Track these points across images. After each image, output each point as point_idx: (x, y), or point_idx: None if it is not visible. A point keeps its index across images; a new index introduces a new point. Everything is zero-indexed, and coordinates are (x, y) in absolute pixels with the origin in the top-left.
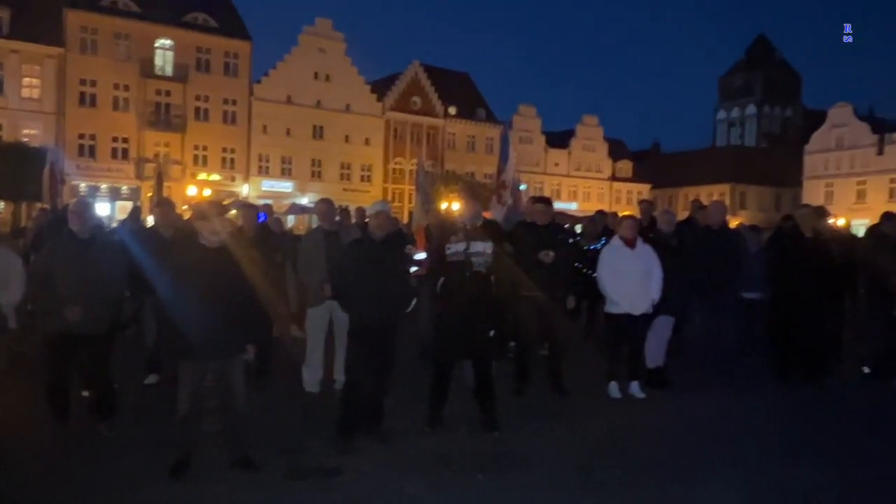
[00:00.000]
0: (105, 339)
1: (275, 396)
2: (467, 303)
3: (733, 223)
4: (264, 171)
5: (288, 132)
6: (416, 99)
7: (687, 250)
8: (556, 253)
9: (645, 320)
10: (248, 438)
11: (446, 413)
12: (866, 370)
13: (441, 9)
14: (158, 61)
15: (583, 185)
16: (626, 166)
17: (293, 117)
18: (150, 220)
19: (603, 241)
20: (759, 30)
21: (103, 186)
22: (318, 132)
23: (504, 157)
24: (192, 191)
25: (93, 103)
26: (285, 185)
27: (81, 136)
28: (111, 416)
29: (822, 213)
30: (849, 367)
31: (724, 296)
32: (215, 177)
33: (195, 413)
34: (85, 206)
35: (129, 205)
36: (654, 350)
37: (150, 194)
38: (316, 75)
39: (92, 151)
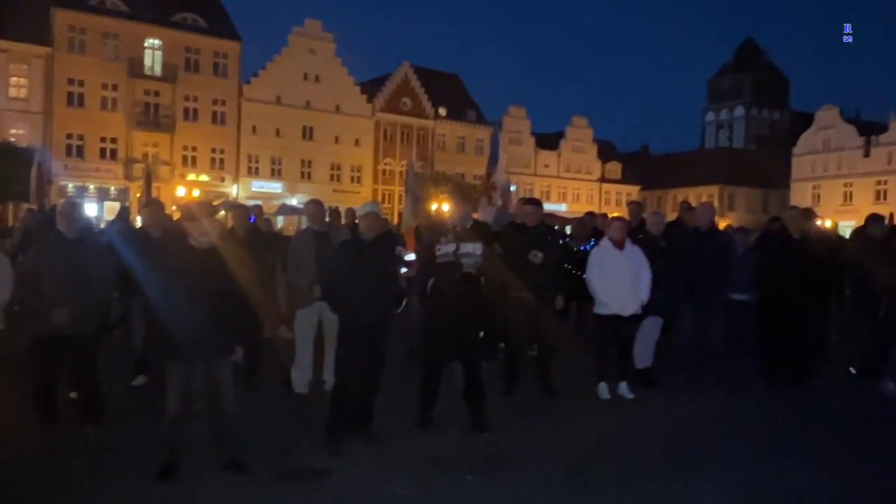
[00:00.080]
0: (92, 340)
1: (264, 398)
2: (457, 304)
3: (722, 225)
4: (254, 172)
5: (277, 133)
6: (406, 100)
7: (675, 252)
8: (545, 254)
9: (633, 321)
10: (237, 440)
11: (436, 414)
12: (853, 371)
13: (431, 10)
14: (147, 61)
15: (572, 187)
16: (615, 168)
17: (283, 118)
18: (138, 221)
19: (592, 243)
20: (747, 33)
21: (91, 187)
22: (307, 133)
23: (494, 158)
24: (181, 191)
25: (81, 103)
26: (275, 186)
27: (69, 136)
28: (99, 417)
29: (809, 214)
30: (835, 368)
31: (712, 297)
32: (204, 177)
33: (184, 414)
34: (73, 207)
35: (117, 205)
36: (643, 351)
37: (138, 195)
38: (305, 76)
39: (80, 151)
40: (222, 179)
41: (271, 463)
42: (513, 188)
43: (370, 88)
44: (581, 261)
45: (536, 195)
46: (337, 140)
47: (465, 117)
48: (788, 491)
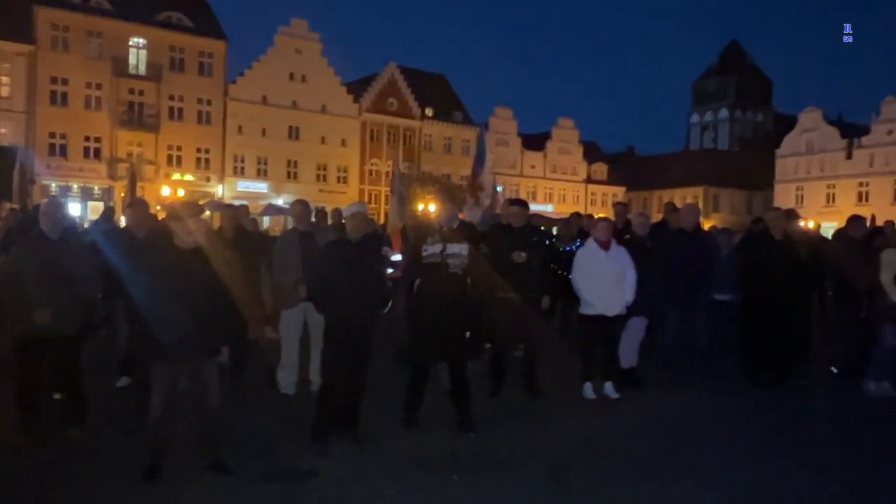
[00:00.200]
0: (76, 340)
1: (250, 398)
2: (443, 304)
3: (706, 226)
4: (239, 172)
5: (263, 133)
6: (393, 100)
7: (660, 252)
8: (531, 254)
9: (619, 321)
10: (222, 441)
11: (422, 414)
12: (835, 370)
13: (417, 10)
14: (132, 60)
15: (558, 188)
16: (601, 169)
17: (269, 118)
18: (122, 221)
19: (578, 243)
20: (732, 36)
21: (75, 186)
22: (293, 133)
23: (480, 158)
24: (165, 191)
25: (64, 102)
26: (260, 186)
27: (52, 136)
28: (82, 419)
29: (792, 215)
30: (818, 368)
31: (696, 297)
32: (189, 177)
33: (168, 415)
34: (56, 207)
35: (100, 205)
36: (628, 351)
37: (122, 195)
38: (292, 76)
39: (63, 151)
40: (208, 179)
41: (257, 464)
42: (499, 189)
43: (356, 88)
44: (567, 261)
45: (523, 196)
46: (323, 140)
47: (451, 118)
48: (772, 489)
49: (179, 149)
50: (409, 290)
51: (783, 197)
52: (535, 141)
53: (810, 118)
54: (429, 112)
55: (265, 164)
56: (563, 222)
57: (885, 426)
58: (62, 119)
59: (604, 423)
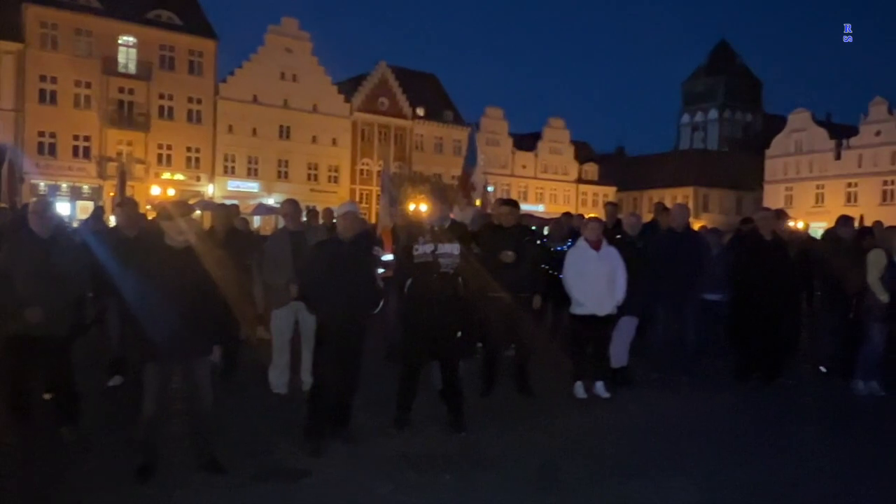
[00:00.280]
0: (66, 340)
1: (242, 398)
2: (435, 304)
3: (696, 226)
4: (230, 171)
5: (254, 132)
6: (384, 100)
7: (650, 252)
8: (523, 255)
9: (609, 321)
10: (214, 440)
11: (413, 414)
12: (823, 370)
13: (408, 10)
14: (121, 58)
15: (549, 188)
16: (591, 169)
17: (259, 117)
18: (112, 220)
19: (569, 243)
20: (721, 36)
21: (64, 185)
22: (284, 132)
23: (471, 158)
24: (155, 190)
25: (53, 100)
26: (251, 186)
27: (41, 134)
28: (74, 418)
29: (781, 216)
30: (807, 367)
31: (686, 297)
32: (180, 176)
33: (161, 415)
34: (45, 206)
35: (90, 205)
36: (618, 350)
37: (112, 194)
38: (282, 75)
39: (52, 150)
40: (198, 178)
41: (249, 463)
42: (490, 189)
43: (347, 88)
44: (558, 261)
45: (514, 196)
46: (314, 140)
47: (442, 118)
48: (761, 487)
49: (169, 148)
50: (400, 289)
51: (772, 197)
52: (526, 141)
53: (799, 119)
54: (420, 112)
55: (256, 163)
56: (554, 222)
57: (872, 425)
58: (51, 118)
59: (595, 423)
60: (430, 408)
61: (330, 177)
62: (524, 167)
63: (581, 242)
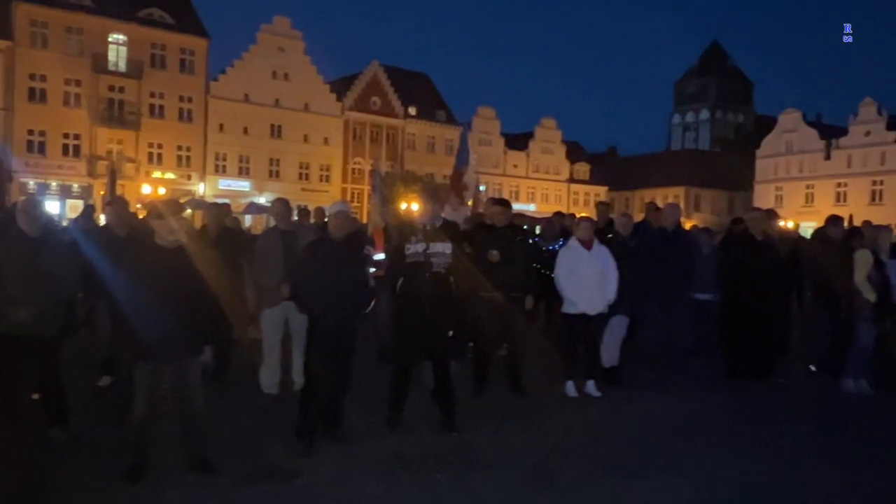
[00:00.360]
0: (56, 340)
1: (233, 399)
2: (427, 303)
3: (687, 225)
4: (221, 170)
5: (245, 131)
6: (376, 99)
7: (642, 252)
8: (514, 254)
9: (601, 320)
10: (205, 441)
11: (405, 414)
12: (813, 369)
13: (401, 9)
14: (111, 57)
15: (541, 187)
16: (583, 168)
17: (251, 116)
18: (102, 220)
19: (561, 243)
20: (713, 37)
21: (53, 184)
22: (276, 131)
23: (462, 158)
24: (146, 189)
25: (43, 99)
26: (243, 185)
27: (31, 133)
28: (63, 419)
29: (772, 215)
30: (797, 366)
31: (677, 296)
32: (171, 175)
33: (151, 415)
34: (34, 205)
35: (79, 203)
36: (610, 349)
37: (102, 192)
38: (274, 74)
39: (42, 148)
40: (189, 177)
41: (240, 464)
42: (482, 188)
43: (339, 87)
44: (550, 260)
45: (505, 195)
46: (306, 139)
47: (434, 117)
48: (752, 485)
49: (160, 146)
50: (392, 289)
51: (763, 197)
52: (517, 140)
53: (790, 119)
54: (412, 111)
55: (247, 162)
56: (546, 222)
57: (862, 423)
58: (41, 116)
59: (586, 422)
60: (422, 408)
61: (321, 176)
62: (516, 167)
63: (573, 242)
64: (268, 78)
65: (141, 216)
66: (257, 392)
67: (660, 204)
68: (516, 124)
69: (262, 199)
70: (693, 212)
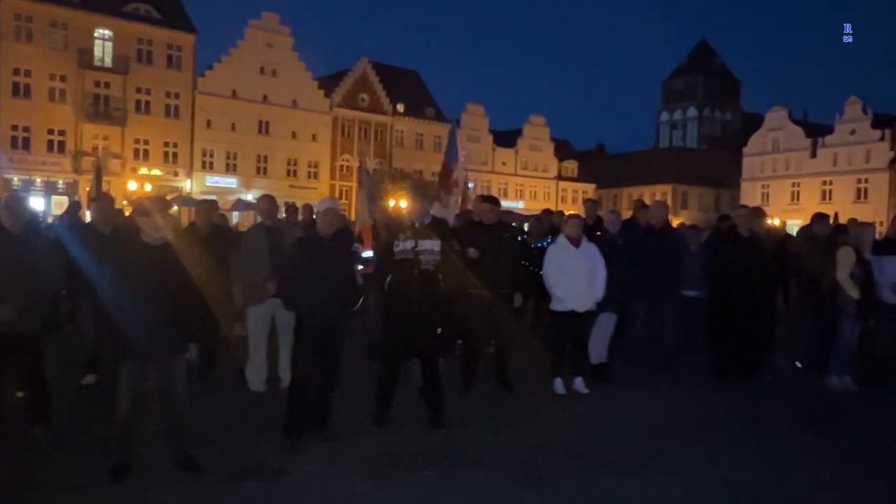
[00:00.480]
0: (39, 338)
1: (219, 396)
2: (415, 301)
3: (675, 222)
4: (208, 167)
5: (233, 127)
6: (364, 96)
7: (629, 249)
8: (503, 251)
9: (589, 317)
10: (191, 439)
11: (393, 411)
12: (799, 365)
13: (390, 6)
14: (97, 52)
15: (529, 184)
16: (571, 166)
17: (238, 112)
18: (88, 216)
19: (549, 240)
20: (701, 35)
21: (38, 180)
22: (263, 127)
23: (451, 155)
24: (132, 186)
25: (27, 94)
26: (230, 181)
27: (15, 128)
28: (47, 417)
29: (758, 213)
30: (783, 363)
31: (665, 293)
32: (157, 171)
33: (136, 414)
34: (18, 201)
35: (65, 200)
36: (598, 346)
37: (88, 189)
38: (262, 70)
39: (26, 144)
40: (175, 174)
41: (227, 462)
42: (471, 185)
43: (328, 83)
44: (538, 258)
45: (494, 192)
46: (294, 135)
47: (423, 114)
48: (740, 482)
49: (146, 143)
50: (380, 286)
51: (750, 194)
52: (506, 138)
53: (776, 117)
54: (400, 108)
55: (234, 158)
56: (534, 219)
57: (847, 420)
58: (25, 111)
59: (576, 419)
60: (410, 405)
61: (310, 173)
62: (504, 164)
63: (561, 239)
64: (256, 74)
65: (127, 213)
66: (244, 389)
67: (647, 201)
68: (505, 121)
69: (250, 196)
70: (680, 209)
